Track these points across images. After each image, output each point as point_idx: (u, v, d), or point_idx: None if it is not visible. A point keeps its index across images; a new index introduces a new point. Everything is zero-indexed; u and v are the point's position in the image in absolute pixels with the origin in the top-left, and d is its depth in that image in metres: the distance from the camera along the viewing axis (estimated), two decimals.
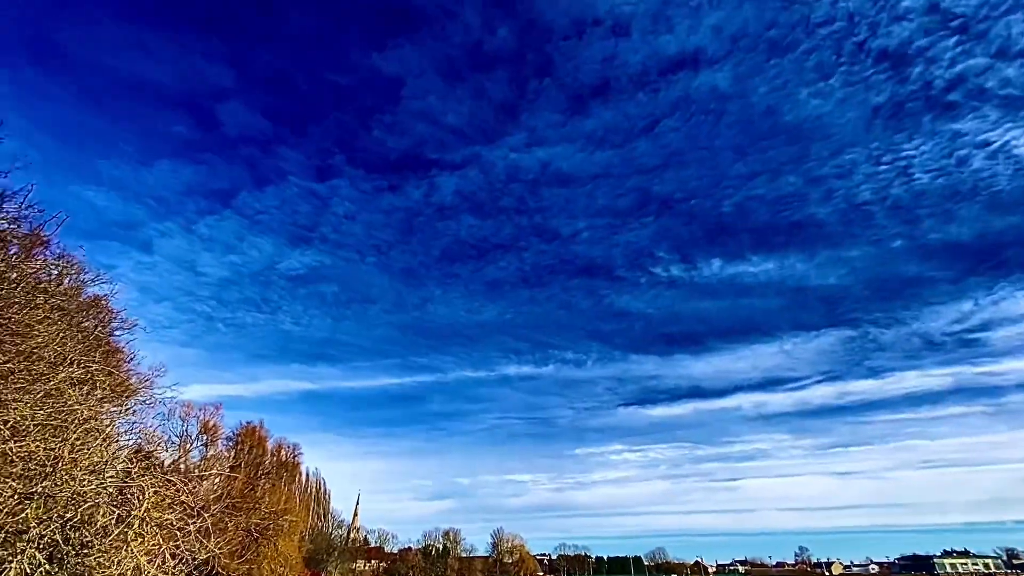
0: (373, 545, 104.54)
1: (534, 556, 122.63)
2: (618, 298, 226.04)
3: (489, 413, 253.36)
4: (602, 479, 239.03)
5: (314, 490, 79.87)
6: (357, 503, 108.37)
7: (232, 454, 48.04)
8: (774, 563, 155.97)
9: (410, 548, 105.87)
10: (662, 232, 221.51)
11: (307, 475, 76.82)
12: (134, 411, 13.99)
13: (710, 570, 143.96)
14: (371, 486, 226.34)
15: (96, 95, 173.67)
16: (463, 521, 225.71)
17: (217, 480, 25.92)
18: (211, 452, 42.99)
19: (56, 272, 15.15)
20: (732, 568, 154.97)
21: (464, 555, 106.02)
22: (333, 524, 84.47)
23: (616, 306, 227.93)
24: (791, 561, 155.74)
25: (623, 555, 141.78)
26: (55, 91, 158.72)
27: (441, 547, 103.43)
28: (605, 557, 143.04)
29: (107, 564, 7.36)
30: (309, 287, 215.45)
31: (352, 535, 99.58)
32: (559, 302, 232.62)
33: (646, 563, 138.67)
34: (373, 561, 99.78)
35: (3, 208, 12.57)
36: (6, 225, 12.56)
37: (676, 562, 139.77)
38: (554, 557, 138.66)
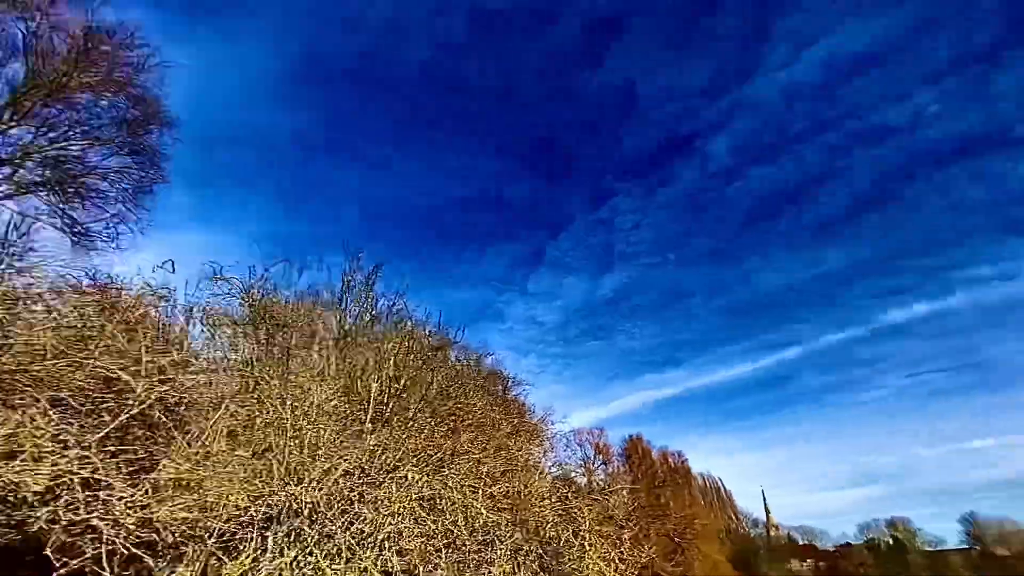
0: (801, 543, 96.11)
1: None
2: None
3: (886, 374, 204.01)
4: None
5: (714, 491, 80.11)
6: (764, 500, 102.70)
7: (627, 468, 53.43)
8: None
9: (849, 543, 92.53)
10: None
11: (701, 478, 77.93)
12: (550, 448, 17.83)
13: None
14: (771, 480, 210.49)
15: (434, 218, 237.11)
16: (899, 508, 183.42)
17: (624, 493, 29.35)
18: (611, 469, 49.01)
19: (465, 361, 21.04)
20: None
21: (928, 548, 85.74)
22: (748, 523, 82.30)
23: None
24: None
25: None
26: (410, 232, 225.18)
27: (890, 540, 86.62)
28: None
29: (579, 569, 9.52)
30: (627, 303, 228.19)
31: (773, 533, 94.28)
32: (929, 208, 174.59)
33: None
34: (809, 560, 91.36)
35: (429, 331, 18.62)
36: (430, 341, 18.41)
37: None
38: None
